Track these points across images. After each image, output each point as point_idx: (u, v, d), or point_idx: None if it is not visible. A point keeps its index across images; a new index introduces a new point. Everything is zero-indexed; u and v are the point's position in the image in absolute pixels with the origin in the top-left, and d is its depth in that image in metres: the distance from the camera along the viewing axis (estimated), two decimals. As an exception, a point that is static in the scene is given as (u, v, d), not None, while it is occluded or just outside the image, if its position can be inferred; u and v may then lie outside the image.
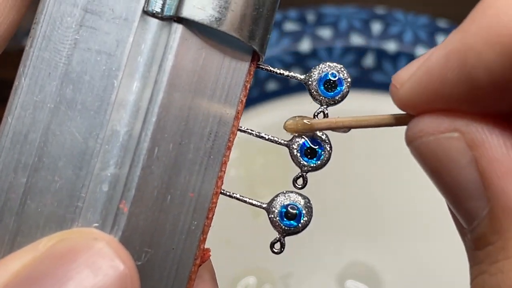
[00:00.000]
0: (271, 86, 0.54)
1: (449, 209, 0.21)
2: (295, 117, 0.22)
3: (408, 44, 0.54)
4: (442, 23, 0.55)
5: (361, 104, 0.55)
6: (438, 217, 0.50)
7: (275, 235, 0.22)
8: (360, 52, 0.54)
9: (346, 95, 0.22)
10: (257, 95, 0.54)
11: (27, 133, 0.20)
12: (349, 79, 0.22)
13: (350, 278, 0.49)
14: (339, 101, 0.22)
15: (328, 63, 0.22)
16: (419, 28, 0.54)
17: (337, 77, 0.22)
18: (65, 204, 0.20)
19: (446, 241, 0.49)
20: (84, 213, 0.20)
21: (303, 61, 0.53)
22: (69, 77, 0.20)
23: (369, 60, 0.54)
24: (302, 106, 0.55)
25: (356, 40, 0.54)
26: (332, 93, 0.22)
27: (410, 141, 0.20)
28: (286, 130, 0.22)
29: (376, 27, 0.54)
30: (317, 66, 0.22)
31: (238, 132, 0.22)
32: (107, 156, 0.20)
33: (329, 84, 0.22)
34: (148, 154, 0.20)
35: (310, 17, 0.55)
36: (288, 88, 0.54)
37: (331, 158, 0.22)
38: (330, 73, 0.22)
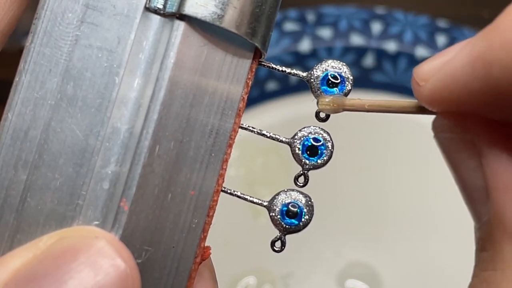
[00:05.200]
0: (271, 86, 0.54)
1: None
2: (326, 96, 0.22)
3: (408, 44, 0.54)
4: (442, 23, 0.55)
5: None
6: (438, 217, 0.50)
7: (276, 235, 0.22)
8: (360, 52, 0.54)
9: (348, 93, 0.22)
10: (257, 95, 0.54)
11: (27, 130, 0.20)
12: (351, 77, 0.22)
13: (350, 277, 0.49)
14: (341, 99, 0.22)
15: (330, 61, 0.22)
16: (419, 28, 0.54)
17: (339, 75, 0.22)
18: (66, 202, 0.20)
19: (446, 241, 0.49)
20: (85, 211, 0.20)
21: (303, 61, 0.53)
22: (70, 74, 0.20)
23: (369, 60, 0.54)
24: (302, 106, 0.56)
25: (356, 40, 0.54)
26: (334, 90, 0.22)
27: (433, 133, 0.21)
28: (318, 107, 0.22)
29: (376, 27, 0.54)
30: (320, 64, 0.22)
31: (239, 130, 0.22)
32: (107, 153, 0.20)
33: (332, 82, 0.22)
34: (149, 152, 0.20)
35: (310, 17, 0.55)
36: (288, 88, 0.54)
37: (332, 158, 0.22)
38: (332, 71, 0.22)
